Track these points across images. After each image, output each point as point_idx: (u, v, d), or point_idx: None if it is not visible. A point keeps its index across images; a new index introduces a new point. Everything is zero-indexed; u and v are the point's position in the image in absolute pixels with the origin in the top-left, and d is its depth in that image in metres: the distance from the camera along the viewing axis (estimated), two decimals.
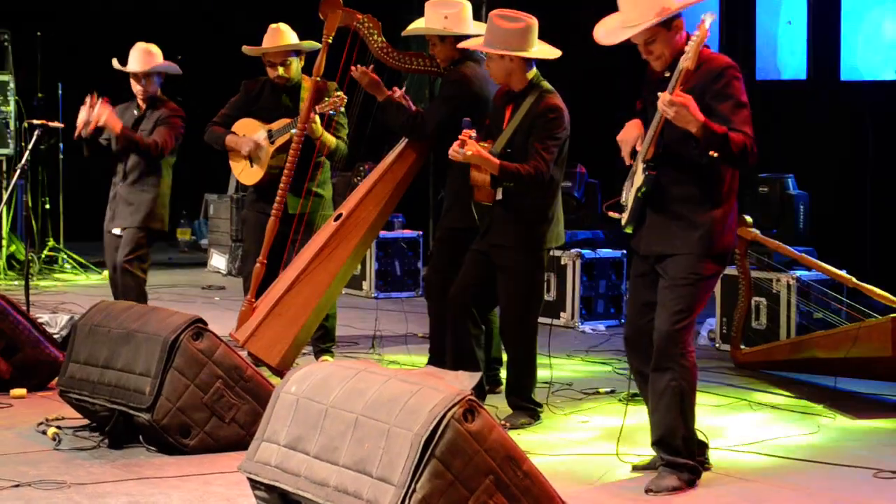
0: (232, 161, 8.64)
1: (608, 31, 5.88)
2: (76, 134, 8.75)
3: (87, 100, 8.66)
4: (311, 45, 8.46)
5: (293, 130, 8.09)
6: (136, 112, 8.90)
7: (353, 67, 7.69)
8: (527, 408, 7.17)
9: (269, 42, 8.44)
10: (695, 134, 5.45)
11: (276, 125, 8.38)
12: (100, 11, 16.95)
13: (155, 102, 8.87)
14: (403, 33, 7.88)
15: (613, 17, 5.90)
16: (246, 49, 8.56)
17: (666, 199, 5.79)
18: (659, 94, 5.49)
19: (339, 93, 8.09)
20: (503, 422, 7.02)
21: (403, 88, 7.77)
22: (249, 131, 8.49)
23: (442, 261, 7.76)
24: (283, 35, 8.43)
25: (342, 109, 8.19)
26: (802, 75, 13.11)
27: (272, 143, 8.37)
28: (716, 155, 5.48)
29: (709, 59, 5.71)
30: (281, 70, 8.43)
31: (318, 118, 8.11)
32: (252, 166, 8.50)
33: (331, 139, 8.30)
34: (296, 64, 8.49)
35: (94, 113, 8.58)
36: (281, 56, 8.42)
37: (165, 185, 8.87)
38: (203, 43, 16.73)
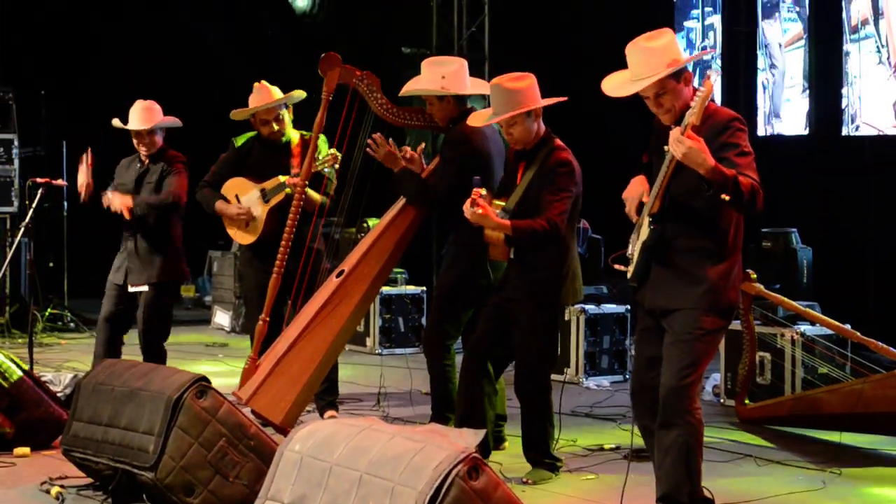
0: (226, 221, 8.64)
1: (617, 85, 5.91)
2: (82, 200, 8.79)
3: (84, 158, 8.70)
4: (299, 94, 8.51)
5: (287, 189, 8.12)
6: (139, 166, 8.92)
7: (369, 141, 7.69)
8: (547, 463, 7.17)
9: (257, 101, 8.47)
10: (704, 176, 5.44)
11: (269, 184, 8.39)
12: (103, 69, 17.03)
13: (157, 155, 8.90)
14: (401, 93, 7.88)
15: (621, 73, 5.93)
16: (235, 113, 8.57)
17: (671, 252, 5.79)
18: (671, 131, 5.49)
19: (332, 150, 8.12)
20: (525, 479, 7.04)
21: (409, 146, 7.79)
22: (241, 191, 8.51)
23: (440, 317, 7.76)
24: (270, 91, 8.47)
25: (336, 167, 8.22)
26: (804, 131, 13.17)
27: (266, 202, 8.39)
28: (727, 198, 5.47)
29: (714, 112, 5.74)
30: (275, 126, 8.47)
31: (303, 184, 8.09)
32: (247, 227, 8.51)
33: (316, 196, 8.32)
34: (287, 117, 8.53)
35: (107, 204, 8.66)
36: (272, 112, 8.46)
37: (177, 236, 8.89)
38: (206, 96, 16.82)
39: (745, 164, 5.60)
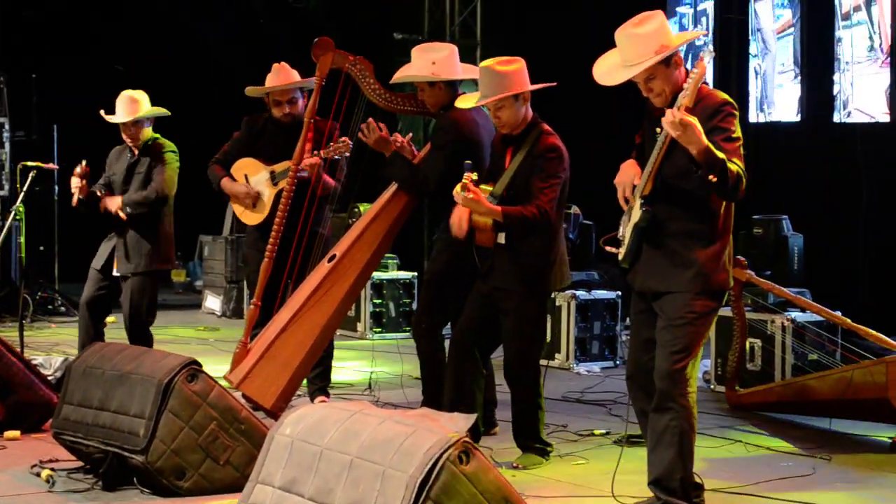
0: (233, 201, 8.64)
1: (606, 72, 5.90)
2: (74, 202, 8.79)
3: (78, 169, 8.70)
4: (314, 82, 8.49)
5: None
6: (129, 157, 8.91)
7: (362, 126, 7.68)
8: (537, 448, 7.18)
9: (274, 81, 8.46)
10: (695, 156, 5.45)
11: (278, 167, 8.38)
12: (95, 53, 17.00)
13: (146, 145, 8.88)
14: (392, 80, 7.87)
15: (611, 54, 5.93)
16: (249, 90, 8.57)
17: (662, 234, 5.80)
18: (666, 112, 5.49)
19: (344, 138, 8.10)
20: (515, 463, 7.05)
21: (400, 132, 7.79)
22: (251, 171, 8.50)
23: (430, 302, 7.77)
24: (288, 73, 8.46)
25: (346, 154, 8.20)
26: (796, 117, 13.17)
27: (275, 184, 8.38)
28: (714, 180, 5.47)
29: (707, 95, 5.75)
30: (287, 108, 8.46)
31: (320, 163, 8.10)
32: (254, 208, 8.51)
33: (331, 181, 8.31)
34: (301, 101, 8.51)
35: (104, 207, 8.72)
36: (287, 94, 8.45)
37: (167, 222, 8.89)
38: (200, 84, 16.82)
39: (732, 150, 5.60)
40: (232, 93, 8.74)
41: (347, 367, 10.37)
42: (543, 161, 6.93)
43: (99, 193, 8.87)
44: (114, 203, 8.77)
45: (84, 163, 8.74)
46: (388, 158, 7.68)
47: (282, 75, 8.47)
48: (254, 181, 8.51)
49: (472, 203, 6.78)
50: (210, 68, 17.25)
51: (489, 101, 6.95)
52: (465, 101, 7.37)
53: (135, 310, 8.79)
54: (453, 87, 7.74)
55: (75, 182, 8.76)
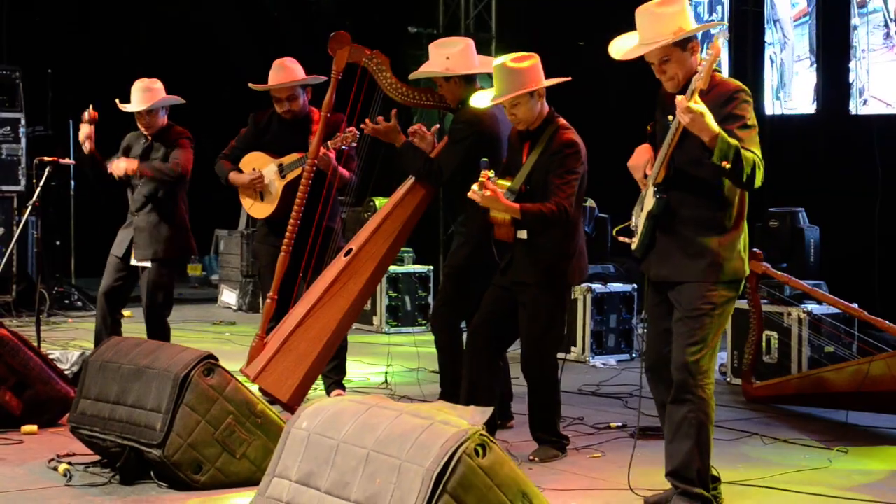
0: (242, 195, 8.66)
1: (622, 48, 5.90)
2: (88, 149, 8.78)
3: (86, 114, 8.71)
4: (316, 79, 8.50)
5: (305, 164, 8.10)
6: (144, 142, 8.92)
7: (365, 123, 7.69)
8: (554, 441, 7.18)
9: (274, 78, 8.47)
10: (708, 143, 5.43)
11: (286, 159, 8.39)
12: (110, 49, 17.02)
13: (162, 131, 8.90)
14: (410, 77, 7.90)
15: (629, 35, 5.92)
16: (252, 85, 8.60)
17: (675, 222, 5.78)
18: (677, 98, 5.48)
19: (350, 128, 8.10)
20: (532, 457, 7.05)
21: (419, 124, 7.80)
22: (259, 165, 8.51)
23: (450, 295, 7.78)
24: (288, 71, 8.45)
25: (353, 144, 8.20)
26: (812, 105, 13.14)
27: (283, 177, 8.39)
28: (728, 166, 5.45)
29: (720, 83, 5.74)
30: (287, 104, 8.47)
31: (333, 155, 8.12)
32: (262, 200, 8.52)
33: (346, 173, 8.31)
34: (302, 98, 8.51)
35: (113, 169, 8.65)
36: (287, 91, 8.45)
37: (183, 209, 8.90)
38: (212, 77, 16.82)
39: (747, 138, 5.58)
40: (245, 89, 8.74)
41: (364, 361, 10.37)
42: (561, 157, 6.92)
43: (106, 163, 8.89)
44: (128, 162, 8.73)
45: (91, 108, 8.73)
46: (399, 149, 7.68)
47: (282, 73, 8.47)
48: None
49: (489, 201, 6.77)
50: (223, 64, 17.24)
51: (504, 100, 6.94)
52: (480, 101, 7.37)
53: (151, 300, 8.80)
54: (470, 81, 7.73)
55: (84, 130, 8.74)
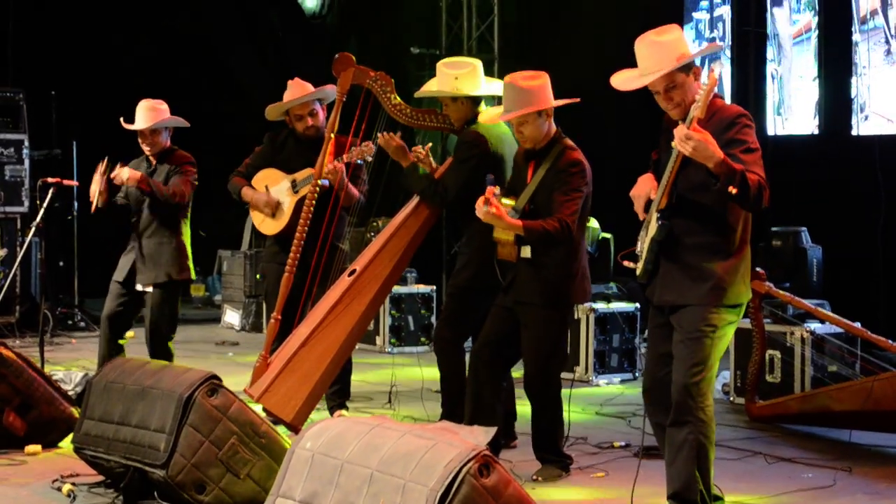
0: (252, 211, 8.69)
1: (626, 80, 5.92)
2: (94, 208, 8.78)
3: (99, 167, 8.70)
4: (333, 89, 8.50)
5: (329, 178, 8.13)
6: (146, 167, 8.93)
7: (379, 134, 7.72)
8: (557, 461, 7.19)
9: (292, 95, 8.50)
10: (712, 170, 5.45)
11: (300, 175, 8.43)
12: (114, 70, 17.06)
13: (164, 155, 8.91)
14: (416, 95, 7.93)
15: (630, 70, 5.94)
16: (269, 110, 8.59)
17: (679, 248, 5.80)
18: (675, 130, 5.50)
19: (367, 142, 8.11)
20: (535, 476, 7.06)
21: (420, 145, 7.82)
22: (272, 181, 8.55)
23: (452, 315, 7.78)
24: (303, 86, 8.51)
25: (369, 159, 8.21)
26: (814, 121, 13.17)
27: (296, 192, 8.42)
28: (734, 191, 5.47)
29: (720, 108, 5.76)
30: (310, 120, 8.50)
31: (343, 168, 8.14)
32: (273, 217, 8.54)
33: (355, 191, 8.33)
34: (321, 113, 8.55)
35: (116, 175, 8.64)
36: (307, 107, 8.49)
37: (185, 235, 8.91)
38: (218, 100, 16.87)
39: (751, 161, 5.60)
40: (249, 109, 8.78)
41: (367, 380, 10.38)
42: (566, 175, 6.93)
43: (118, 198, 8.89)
44: (131, 173, 8.67)
45: (106, 160, 8.70)
46: (406, 170, 7.71)
47: (297, 89, 8.52)
48: (274, 191, 8.56)
49: (493, 218, 6.77)
50: (228, 85, 17.29)
51: (512, 117, 6.96)
52: (488, 117, 7.38)
53: (154, 324, 8.81)
54: (476, 103, 7.75)
55: (96, 185, 8.69)
